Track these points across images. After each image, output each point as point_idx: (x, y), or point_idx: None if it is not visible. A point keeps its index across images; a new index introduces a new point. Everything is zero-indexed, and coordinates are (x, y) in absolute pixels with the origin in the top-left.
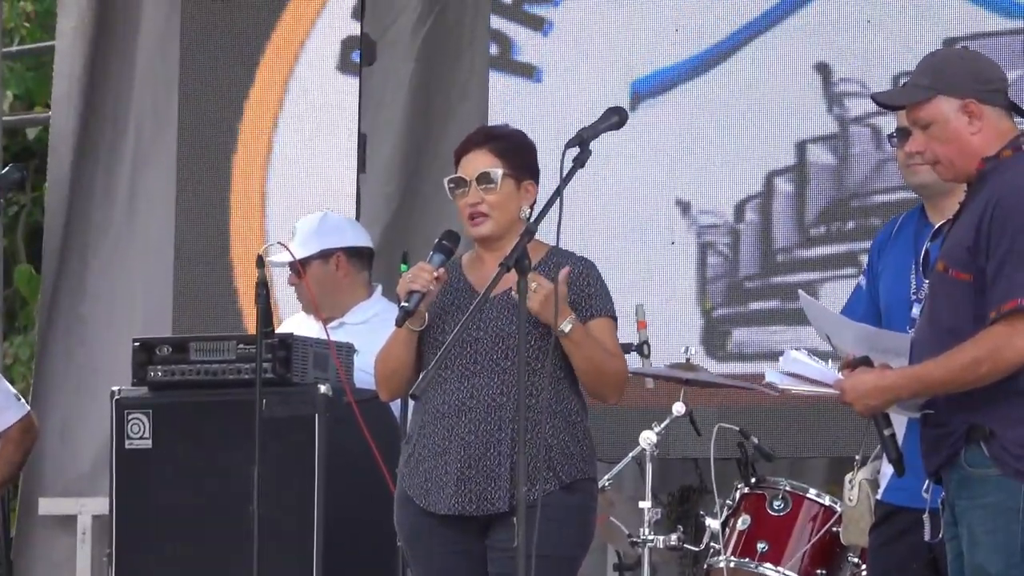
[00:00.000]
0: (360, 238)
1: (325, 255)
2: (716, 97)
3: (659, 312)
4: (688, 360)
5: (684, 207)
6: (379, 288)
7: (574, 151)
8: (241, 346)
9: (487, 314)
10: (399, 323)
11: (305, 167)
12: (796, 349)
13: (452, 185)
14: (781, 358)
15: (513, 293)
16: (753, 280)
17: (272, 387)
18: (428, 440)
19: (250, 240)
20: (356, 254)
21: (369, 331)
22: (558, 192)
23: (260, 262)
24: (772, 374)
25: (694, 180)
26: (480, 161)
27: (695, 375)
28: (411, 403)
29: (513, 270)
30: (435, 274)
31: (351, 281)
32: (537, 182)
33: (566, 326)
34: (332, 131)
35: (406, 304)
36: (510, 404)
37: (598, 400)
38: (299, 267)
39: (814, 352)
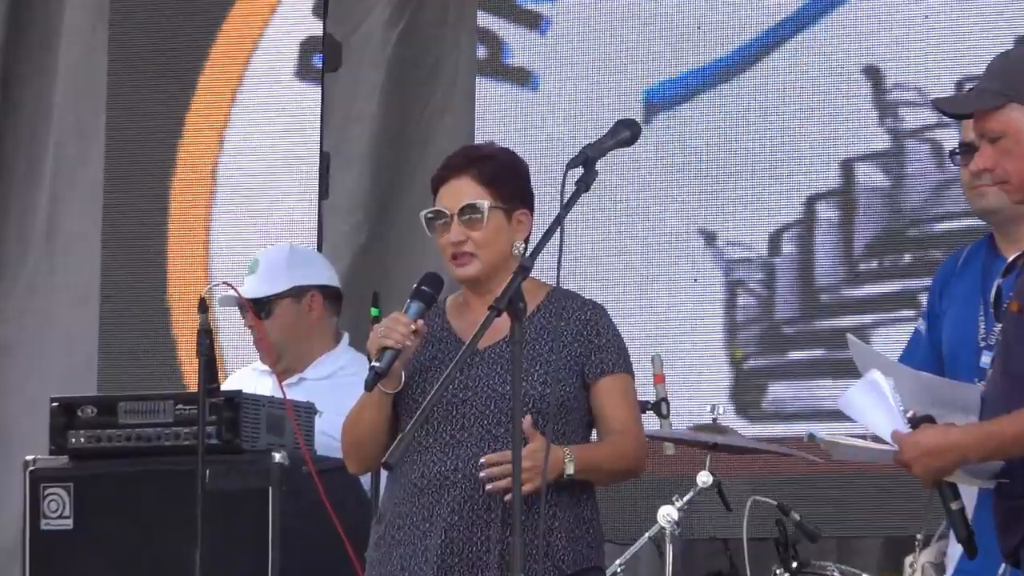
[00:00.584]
0: (333, 276)
1: (298, 293)
2: (746, 108)
3: (680, 363)
4: (715, 420)
5: (709, 238)
6: (346, 337)
7: (577, 172)
8: (180, 407)
9: (476, 370)
10: (369, 387)
11: (257, 193)
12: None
13: (431, 218)
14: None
15: (507, 342)
16: (792, 325)
17: (217, 455)
18: (403, 520)
19: (191, 280)
20: (330, 295)
21: (333, 388)
22: (558, 221)
23: (203, 306)
24: (819, 433)
25: (721, 206)
26: (463, 191)
27: (724, 439)
28: (384, 474)
29: (505, 315)
30: (412, 327)
31: (322, 327)
32: (532, 210)
33: (568, 468)
34: (289, 150)
35: (377, 364)
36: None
37: None
38: (250, 307)
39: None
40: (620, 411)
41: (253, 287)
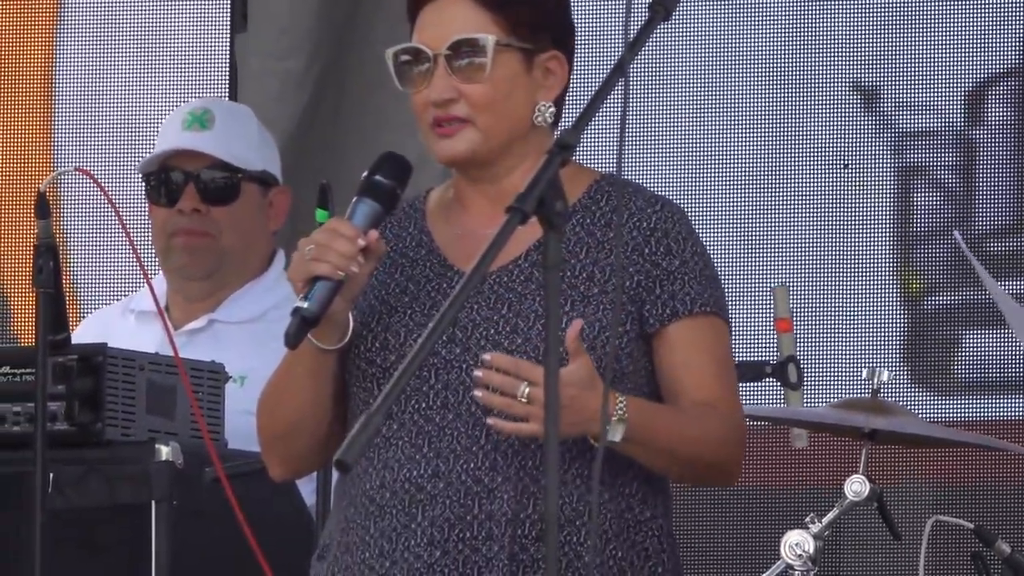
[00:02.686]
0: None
1: (267, 181)
2: None
3: (817, 301)
4: (876, 393)
5: (867, 96)
6: (280, 257)
7: None
8: (6, 370)
9: (471, 311)
10: (292, 341)
11: (129, 21)
12: None
13: (403, 62)
14: None
15: (521, 265)
16: (1004, 237)
17: (68, 450)
18: (354, 556)
19: (22, 168)
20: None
21: (264, 338)
22: (619, 68)
23: (43, 207)
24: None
25: (884, 48)
26: (454, 18)
27: (889, 422)
28: (335, 478)
29: (535, 220)
30: (360, 242)
31: (267, 239)
32: (570, 54)
33: (616, 431)
34: None
35: (304, 304)
36: (510, 488)
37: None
38: (192, 180)
39: None
40: (702, 373)
41: (217, 146)
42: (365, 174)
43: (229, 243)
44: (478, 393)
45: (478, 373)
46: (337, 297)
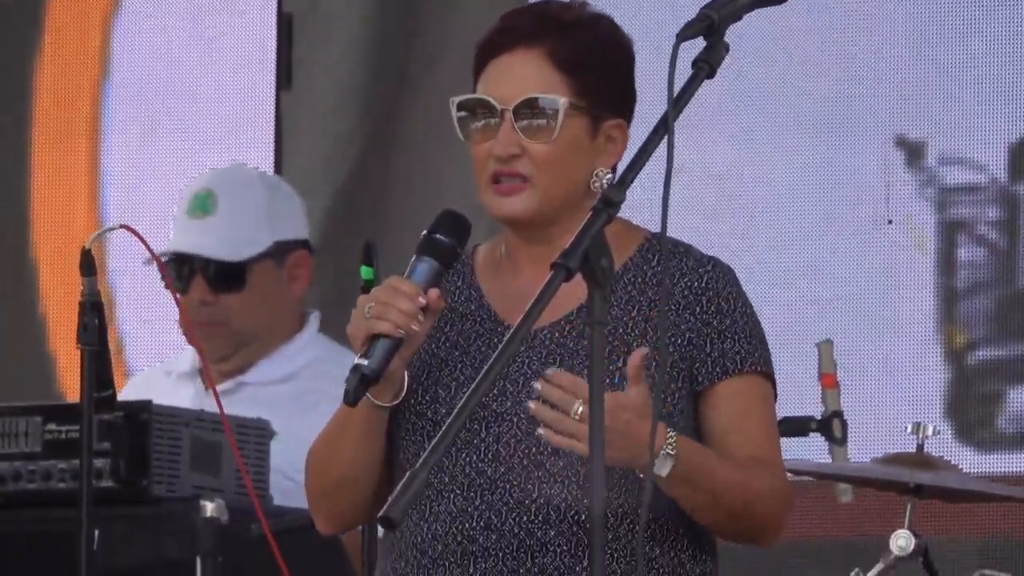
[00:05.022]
0: (306, 223)
1: (279, 252)
2: None
3: (862, 355)
4: (920, 447)
5: (912, 152)
6: (315, 318)
7: (695, 47)
8: (52, 427)
9: (521, 365)
10: (351, 398)
11: (175, 81)
12: None
13: (465, 114)
14: None
15: (573, 321)
16: None
17: (112, 506)
18: None
19: (69, 228)
20: (311, 251)
21: (295, 397)
22: (665, 126)
23: (88, 263)
24: None
25: (929, 102)
26: (526, 75)
27: (934, 477)
28: (380, 534)
29: (579, 276)
30: (421, 300)
31: (291, 306)
32: (630, 120)
33: (663, 465)
34: (227, 7)
35: (364, 361)
36: (563, 542)
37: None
38: (202, 272)
39: None
40: (749, 431)
41: (215, 241)
42: (425, 232)
43: (241, 327)
44: (531, 405)
45: (537, 385)
46: (396, 357)
